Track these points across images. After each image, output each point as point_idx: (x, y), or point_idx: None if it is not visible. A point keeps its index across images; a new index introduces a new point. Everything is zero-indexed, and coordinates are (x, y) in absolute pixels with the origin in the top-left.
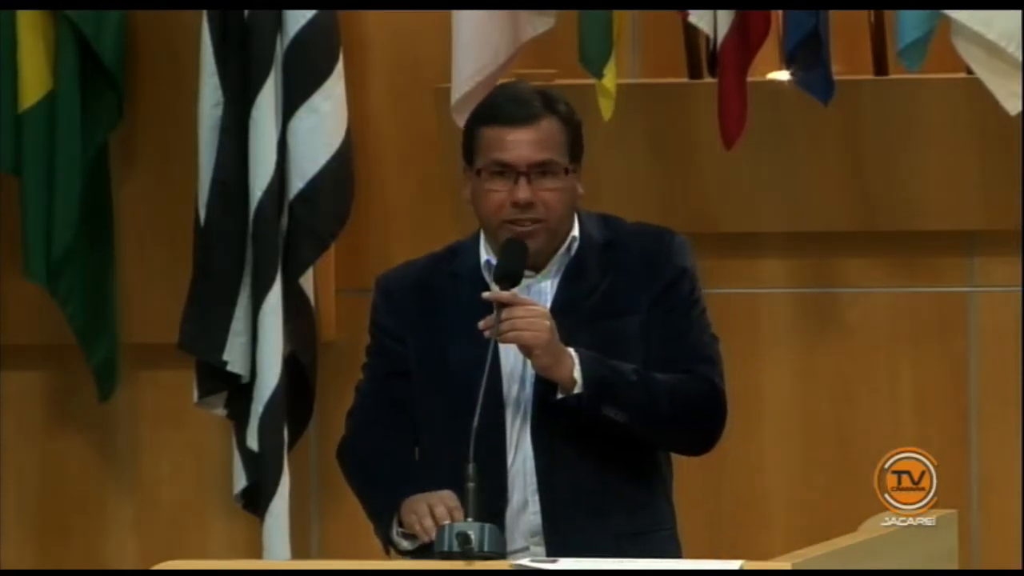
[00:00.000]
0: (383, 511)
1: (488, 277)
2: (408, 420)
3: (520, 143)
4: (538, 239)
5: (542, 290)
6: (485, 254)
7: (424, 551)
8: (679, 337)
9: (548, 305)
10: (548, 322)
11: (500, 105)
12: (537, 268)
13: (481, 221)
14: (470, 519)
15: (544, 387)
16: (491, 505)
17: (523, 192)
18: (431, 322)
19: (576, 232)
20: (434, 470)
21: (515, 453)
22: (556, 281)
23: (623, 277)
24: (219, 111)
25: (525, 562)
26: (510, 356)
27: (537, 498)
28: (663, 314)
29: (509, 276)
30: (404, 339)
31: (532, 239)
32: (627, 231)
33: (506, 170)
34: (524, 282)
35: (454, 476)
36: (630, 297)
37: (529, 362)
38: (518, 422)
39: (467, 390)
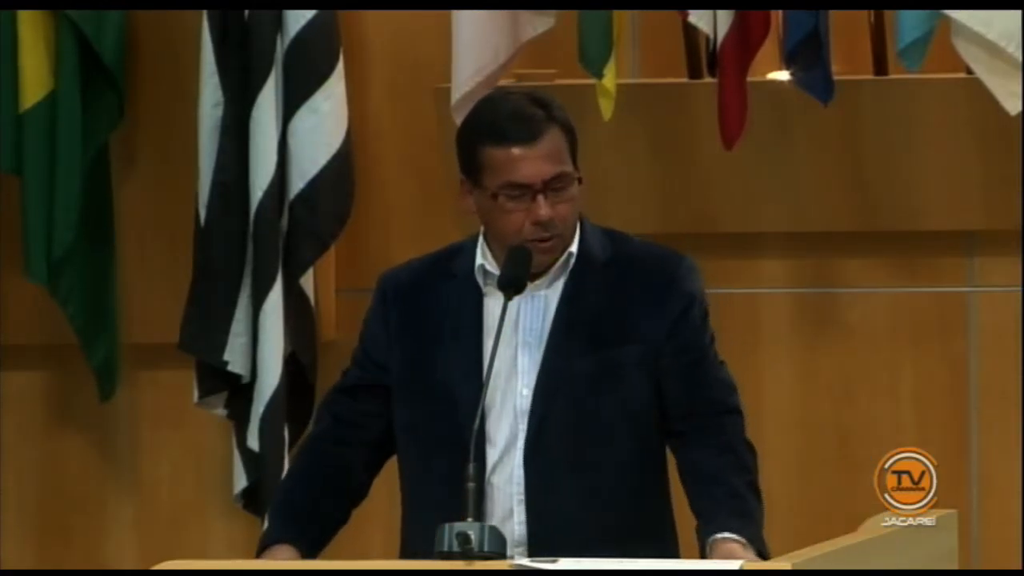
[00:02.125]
0: (267, 537)
1: (481, 281)
2: (363, 435)
3: (532, 161)
4: (555, 252)
5: (536, 299)
6: (480, 258)
7: None
8: (700, 383)
9: (548, 323)
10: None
11: (503, 123)
12: (535, 274)
13: (497, 239)
14: (470, 519)
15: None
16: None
17: (544, 210)
18: (423, 323)
19: (575, 248)
20: (417, 472)
21: (499, 462)
22: (549, 293)
23: (626, 303)
24: (219, 111)
25: (525, 562)
26: (503, 364)
27: (522, 508)
28: (678, 353)
29: (513, 283)
30: (387, 358)
31: (551, 253)
32: (632, 252)
33: (523, 191)
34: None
35: (439, 476)
36: (632, 324)
37: (519, 367)
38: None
39: (450, 395)
